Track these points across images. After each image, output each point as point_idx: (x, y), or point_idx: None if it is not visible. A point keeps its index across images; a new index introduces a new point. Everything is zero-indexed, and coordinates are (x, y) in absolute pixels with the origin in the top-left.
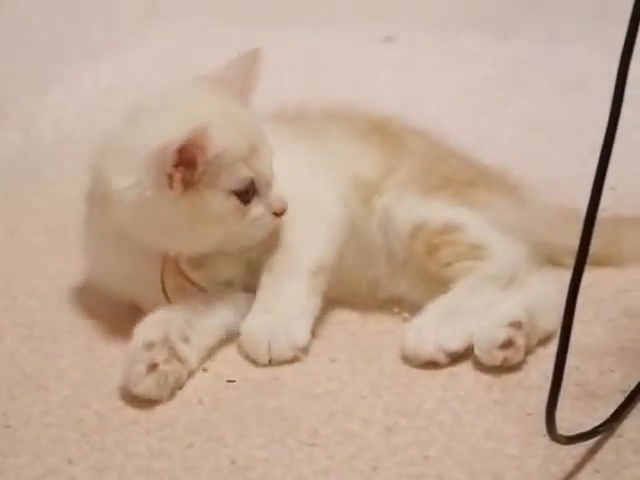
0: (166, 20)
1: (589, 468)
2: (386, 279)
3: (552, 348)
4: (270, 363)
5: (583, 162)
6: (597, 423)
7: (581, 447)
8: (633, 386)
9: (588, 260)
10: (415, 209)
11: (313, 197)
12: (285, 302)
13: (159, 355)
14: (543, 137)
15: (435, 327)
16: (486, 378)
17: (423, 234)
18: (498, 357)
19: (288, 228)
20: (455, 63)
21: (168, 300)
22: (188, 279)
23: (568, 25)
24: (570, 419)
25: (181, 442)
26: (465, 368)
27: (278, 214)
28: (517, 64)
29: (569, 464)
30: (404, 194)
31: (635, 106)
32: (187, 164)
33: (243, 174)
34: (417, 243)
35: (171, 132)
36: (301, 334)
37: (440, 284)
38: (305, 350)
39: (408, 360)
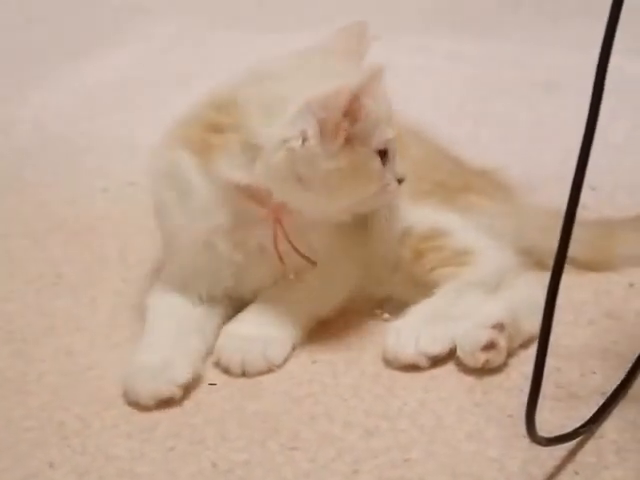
0: (148, 21)
1: (570, 469)
2: (375, 282)
3: (534, 350)
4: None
5: (564, 162)
6: (578, 424)
7: (562, 449)
8: (614, 387)
9: (578, 265)
10: (404, 216)
11: None
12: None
13: None
14: (524, 137)
15: (416, 330)
16: (468, 380)
17: (410, 240)
18: (480, 359)
19: None
20: (437, 63)
21: (286, 269)
22: (297, 251)
23: (549, 25)
24: (551, 421)
25: (162, 445)
26: (447, 370)
27: (401, 181)
28: (498, 64)
29: (550, 466)
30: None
31: (616, 106)
32: (351, 115)
33: (386, 135)
34: (404, 249)
35: (334, 82)
36: (277, 353)
37: (426, 289)
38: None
39: (389, 363)
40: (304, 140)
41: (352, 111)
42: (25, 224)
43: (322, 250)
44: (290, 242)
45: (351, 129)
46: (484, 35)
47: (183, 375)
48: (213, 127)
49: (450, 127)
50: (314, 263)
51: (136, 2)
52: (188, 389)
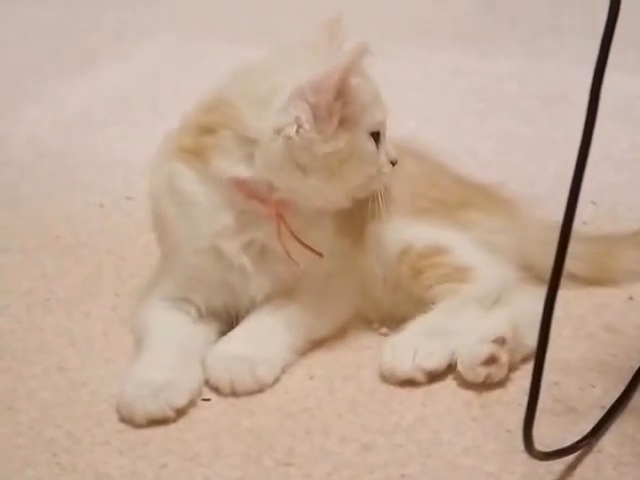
0: (141, 36)
1: None
2: (373, 300)
3: (532, 364)
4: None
5: (563, 176)
6: (577, 439)
7: (560, 463)
8: (613, 401)
9: (578, 281)
10: (402, 233)
11: None
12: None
13: None
14: (523, 151)
15: (413, 345)
16: (465, 394)
17: (409, 258)
18: (481, 374)
19: None
20: (435, 77)
21: (295, 262)
22: (303, 243)
23: (548, 40)
24: (550, 435)
25: (155, 462)
26: (444, 384)
27: (394, 164)
28: (497, 78)
29: None
30: (393, 218)
31: (616, 121)
32: (343, 96)
33: (378, 116)
34: (403, 267)
35: (321, 67)
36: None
37: (425, 305)
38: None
39: (385, 378)
40: (299, 126)
41: (343, 92)
42: (19, 239)
43: (323, 246)
44: (294, 235)
45: (344, 111)
46: (482, 49)
47: (181, 398)
48: (205, 129)
49: (448, 142)
50: (320, 254)
51: (132, 18)
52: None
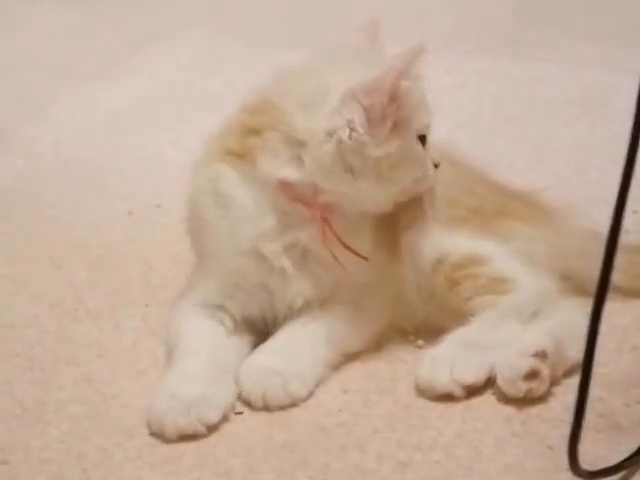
0: (166, 40)
1: None
2: (408, 311)
3: (575, 378)
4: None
5: (601, 183)
6: (622, 457)
7: None
8: None
9: (621, 292)
10: (437, 242)
11: None
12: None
13: None
14: (559, 157)
15: (451, 359)
16: (506, 410)
17: (444, 268)
18: (522, 388)
19: None
20: (469, 82)
21: (340, 265)
22: (347, 247)
23: (583, 44)
24: (593, 452)
25: (187, 477)
26: (483, 400)
27: (437, 167)
28: (532, 83)
29: None
30: (428, 227)
31: None
32: (396, 99)
33: (426, 119)
34: (439, 277)
35: (373, 69)
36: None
37: (463, 316)
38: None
39: (423, 392)
40: (351, 130)
41: (397, 95)
42: (47, 248)
43: (364, 251)
44: (340, 239)
45: (396, 114)
46: (516, 54)
47: (214, 415)
48: (250, 130)
49: (483, 147)
50: (365, 258)
51: (157, 22)
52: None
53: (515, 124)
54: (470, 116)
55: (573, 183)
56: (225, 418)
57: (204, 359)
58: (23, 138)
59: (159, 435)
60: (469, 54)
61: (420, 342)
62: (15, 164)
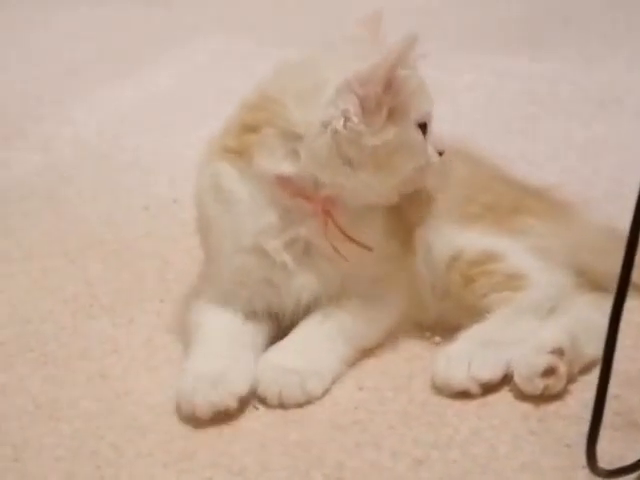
0: (186, 39)
1: None
2: (423, 308)
3: (592, 376)
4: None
5: (617, 180)
6: (639, 455)
7: None
8: None
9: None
10: (452, 239)
11: None
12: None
13: None
14: (576, 154)
15: (468, 355)
16: (522, 407)
17: (459, 265)
18: (539, 385)
19: None
20: (486, 80)
21: (343, 257)
22: (351, 238)
23: (600, 43)
24: (610, 451)
25: (200, 475)
26: (500, 397)
27: (441, 154)
28: (549, 81)
29: None
30: (443, 223)
31: None
32: (391, 87)
33: (425, 107)
34: (453, 274)
35: (368, 60)
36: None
37: (478, 313)
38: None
39: (439, 389)
40: (346, 120)
41: (391, 83)
42: (62, 243)
43: (371, 242)
44: (342, 231)
45: (392, 102)
46: (533, 52)
47: (243, 386)
48: (249, 127)
49: (500, 145)
50: (369, 248)
51: (178, 20)
52: (227, 414)
53: (532, 122)
54: (488, 114)
55: (589, 180)
56: (242, 409)
57: (224, 339)
58: (41, 134)
59: (191, 417)
60: (487, 53)
61: (437, 339)
62: (33, 160)
